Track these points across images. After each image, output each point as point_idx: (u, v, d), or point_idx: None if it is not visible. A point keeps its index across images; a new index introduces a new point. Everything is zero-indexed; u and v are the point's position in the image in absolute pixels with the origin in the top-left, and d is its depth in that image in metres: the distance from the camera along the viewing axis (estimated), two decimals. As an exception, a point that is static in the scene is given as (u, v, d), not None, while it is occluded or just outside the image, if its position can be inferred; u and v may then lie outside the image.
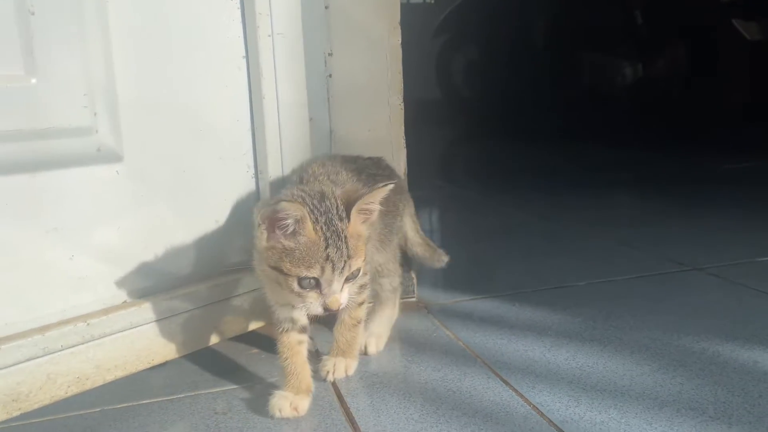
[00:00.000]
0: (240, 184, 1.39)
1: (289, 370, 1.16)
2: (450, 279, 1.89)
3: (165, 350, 1.24)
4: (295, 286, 1.01)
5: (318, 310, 1.03)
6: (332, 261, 1.00)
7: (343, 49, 1.50)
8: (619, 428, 1.05)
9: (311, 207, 1.02)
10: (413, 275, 1.66)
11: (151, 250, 1.25)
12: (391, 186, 1.07)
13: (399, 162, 1.62)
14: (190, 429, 1.12)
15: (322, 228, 1.01)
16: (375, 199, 1.08)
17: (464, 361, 1.33)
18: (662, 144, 4.35)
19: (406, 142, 1.62)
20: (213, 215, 1.34)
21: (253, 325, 1.41)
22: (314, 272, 1.00)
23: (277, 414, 1.12)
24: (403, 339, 1.44)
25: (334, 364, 1.25)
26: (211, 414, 1.16)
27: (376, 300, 1.41)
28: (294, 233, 1.00)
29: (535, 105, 5.26)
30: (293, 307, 1.10)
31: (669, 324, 1.45)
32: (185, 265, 1.31)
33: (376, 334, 1.38)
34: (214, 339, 1.33)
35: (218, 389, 1.24)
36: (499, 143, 4.86)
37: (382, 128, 1.58)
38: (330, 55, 1.50)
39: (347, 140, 1.56)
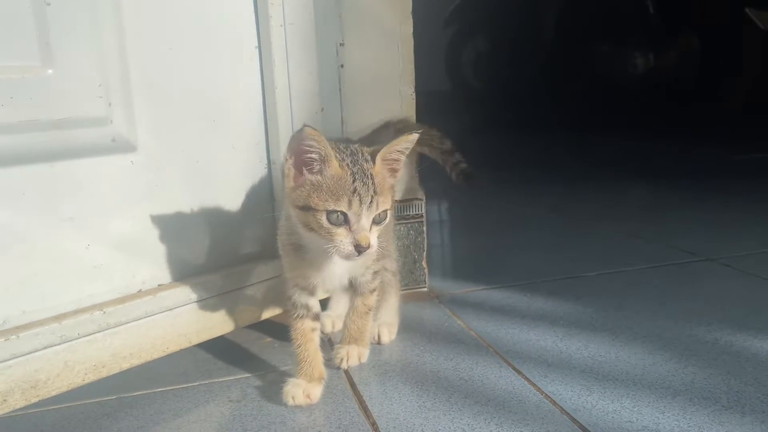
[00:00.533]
0: (253, 173, 1.39)
1: (302, 357, 1.17)
2: (461, 269, 1.89)
3: (180, 339, 1.25)
4: (324, 221, 1.01)
5: (349, 248, 1.01)
6: (359, 194, 1.00)
7: (355, 39, 1.50)
8: (632, 417, 1.06)
9: (336, 149, 1.03)
10: (425, 265, 1.67)
11: (165, 240, 1.26)
12: (416, 136, 1.07)
13: (411, 153, 1.62)
14: (204, 416, 1.13)
15: (348, 165, 1.02)
16: (401, 147, 1.07)
17: (476, 350, 1.33)
18: (673, 135, 4.32)
19: (417, 133, 1.62)
20: (226, 205, 1.35)
21: (267, 314, 1.42)
22: (342, 205, 1.00)
23: (291, 402, 1.13)
24: (414, 328, 1.45)
25: (348, 352, 1.26)
26: (226, 402, 1.17)
27: (379, 288, 1.40)
28: (320, 170, 1.01)
29: (544, 96, 5.23)
30: (325, 253, 1.06)
31: (681, 314, 1.45)
32: (199, 255, 1.32)
33: (387, 323, 1.40)
34: (228, 328, 1.34)
35: (232, 377, 1.25)
36: (509, 134, 4.84)
37: (394, 118, 1.58)
38: (342, 45, 1.49)
39: (359, 131, 1.56)
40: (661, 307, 1.50)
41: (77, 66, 1.10)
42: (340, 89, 1.52)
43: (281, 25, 1.35)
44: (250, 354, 1.35)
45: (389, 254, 1.37)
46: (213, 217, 1.33)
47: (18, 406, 1.06)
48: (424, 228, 1.67)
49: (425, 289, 1.66)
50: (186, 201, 1.28)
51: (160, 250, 1.25)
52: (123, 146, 1.18)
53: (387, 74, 1.56)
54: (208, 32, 1.28)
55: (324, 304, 1.41)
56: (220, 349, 1.36)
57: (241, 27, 1.33)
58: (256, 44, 1.35)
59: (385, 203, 1.04)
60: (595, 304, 1.53)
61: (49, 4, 1.06)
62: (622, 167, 3.36)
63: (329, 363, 1.26)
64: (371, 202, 1.01)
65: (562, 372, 1.22)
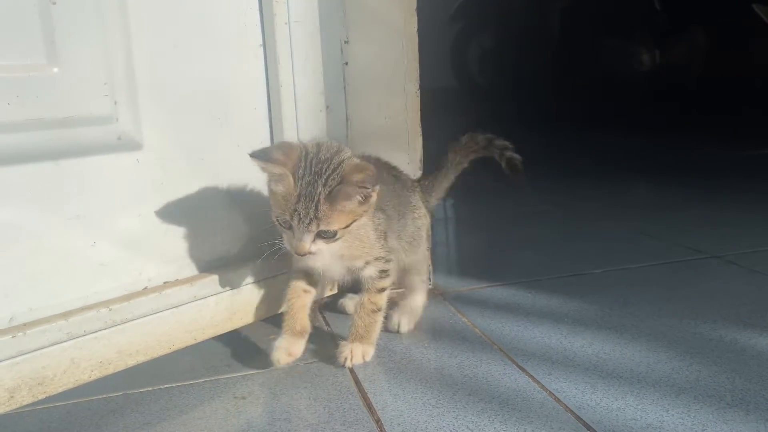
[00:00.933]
0: (257, 171, 1.39)
1: (287, 312, 1.27)
2: (465, 266, 1.89)
3: (185, 336, 1.26)
4: (276, 222, 1.16)
5: (288, 247, 1.16)
6: (299, 214, 1.11)
7: (360, 37, 1.50)
8: (636, 414, 1.06)
9: (304, 162, 1.12)
10: (429, 262, 1.67)
11: (170, 237, 1.26)
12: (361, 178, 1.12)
13: (415, 150, 1.63)
14: (210, 413, 1.13)
15: (300, 184, 1.11)
16: (371, 185, 1.13)
17: (480, 347, 1.33)
18: (679, 131, 4.30)
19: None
20: (231, 203, 1.35)
21: (271, 312, 1.43)
22: (286, 216, 1.12)
23: (278, 365, 1.24)
24: (419, 326, 1.45)
25: (351, 350, 1.26)
26: (231, 398, 1.18)
27: (407, 288, 1.47)
28: (280, 181, 1.13)
29: (549, 93, 5.22)
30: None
31: (686, 311, 1.45)
32: (204, 253, 1.32)
33: (408, 313, 1.43)
34: (233, 325, 1.34)
35: (237, 374, 1.26)
36: (514, 131, 4.82)
37: (398, 116, 1.58)
38: (346, 42, 1.50)
39: (364, 128, 1.56)
40: (666, 304, 1.50)
41: (83, 64, 1.11)
42: (344, 87, 1.52)
43: (286, 23, 1.35)
44: (256, 351, 1.36)
45: (420, 272, 1.47)
46: (217, 216, 1.34)
47: (25, 403, 1.07)
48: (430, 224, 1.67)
49: (430, 287, 1.66)
50: (191, 199, 1.29)
51: (165, 247, 1.26)
52: (129, 144, 1.19)
53: (392, 72, 1.56)
54: (213, 30, 1.29)
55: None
56: (225, 346, 1.37)
57: (246, 25, 1.34)
58: (261, 42, 1.36)
59: (330, 226, 1.12)
60: (600, 302, 1.53)
61: (54, 3, 1.07)
62: (627, 164, 3.35)
63: (333, 361, 1.27)
64: (310, 223, 1.11)
65: (567, 369, 1.22)
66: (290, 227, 1.13)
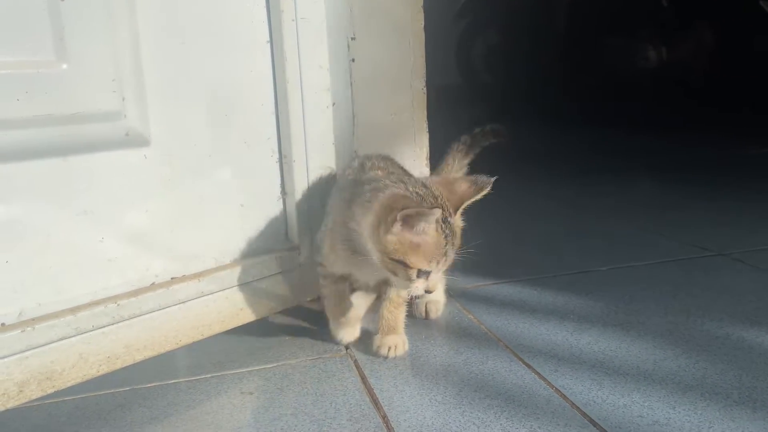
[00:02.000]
0: (264, 168, 1.40)
1: (336, 297, 1.31)
2: (471, 263, 1.88)
3: (192, 331, 1.26)
4: (414, 275, 1.10)
5: (420, 291, 1.13)
6: (447, 255, 1.11)
7: (366, 33, 1.50)
8: (642, 411, 1.06)
9: (428, 200, 1.10)
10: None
11: (177, 234, 1.27)
12: (489, 189, 1.21)
13: (422, 146, 1.63)
14: (217, 408, 1.14)
15: (442, 227, 1.08)
16: (477, 198, 1.20)
17: (486, 344, 1.34)
18: (686, 129, 4.28)
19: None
20: (238, 200, 1.36)
21: (279, 307, 1.43)
22: (432, 266, 1.10)
23: (344, 342, 1.33)
24: (425, 322, 1.45)
25: (394, 342, 1.29)
26: (238, 394, 1.18)
27: None
28: (422, 231, 1.07)
29: (556, 90, 5.20)
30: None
31: (692, 309, 1.45)
32: (211, 249, 1.32)
33: (434, 300, 1.46)
34: (240, 320, 1.35)
35: (244, 369, 1.27)
36: (520, 129, 4.81)
37: (404, 112, 1.58)
38: (353, 39, 1.50)
39: (370, 125, 1.56)
40: (673, 301, 1.50)
41: (91, 61, 1.11)
42: (351, 84, 1.52)
43: (293, 20, 1.35)
44: (263, 346, 1.36)
45: None
46: (225, 212, 1.34)
47: (34, 397, 1.08)
48: (435, 222, 1.67)
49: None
50: (198, 195, 1.29)
51: (172, 243, 1.26)
52: (136, 140, 1.19)
53: (398, 68, 1.56)
54: (221, 27, 1.29)
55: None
56: (232, 341, 1.37)
57: (253, 21, 1.34)
58: (268, 39, 1.36)
59: None
60: (606, 299, 1.53)
61: (63, 0, 1.07)
62: (633, 162, 3.34)
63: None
64: (445, 261, 1.12)
65: (573, 366, 1.22)
66: (427, 273, 1.11)
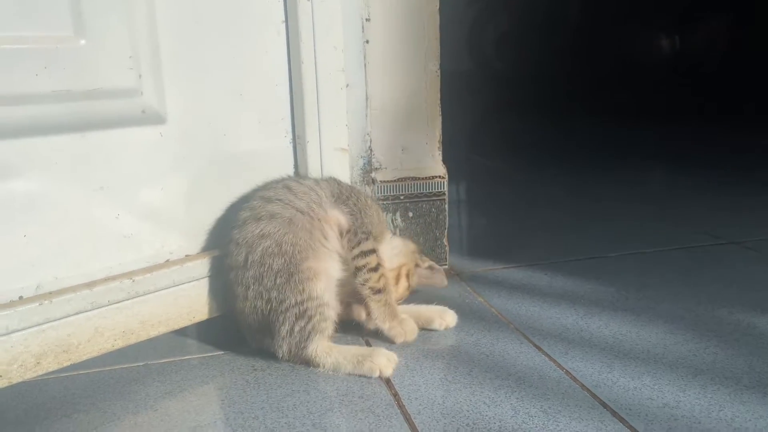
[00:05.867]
0: (278, 148, 1.40)
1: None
2: (481, 248, 1.90)
3: (206, 308, 1.28)
4: None
5: None
6: None
7: (381, 15, 1.50)
8: (653, 394, 1.06)
9: None
10: (446, 243, 1.67)
11: (192, 212, 1.28)
12: None
13: (434, 129, 1.63)
14: (230, 383, 1.15)
15: None
16: None
17: (497, 326, 1.34)
18: (698, 118, 4.26)
19: (439, 112, 1.63)
20: (251, 179, 1.36)
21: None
22: None
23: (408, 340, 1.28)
24: (435, 304, 1.46)
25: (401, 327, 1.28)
26: (250, 370, 1.20)
27: None
28: None
29: (568, 78, 5.17)
30: None
31: (703, 296, 1.45)
32: (225, 227, 1.33)
33: None
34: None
35: (257, 347, 1.28)
36: (530, 116, 4.80)
37: (418, 95, 1.58)
38: (368, 20, 1.49)
39: (383, 107, 1.56)
40: (683, 288, 1.50)
41: (108, 37, 1.12)
42: (365, 65, 1.52)
43: (308, 0, 1.35)
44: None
45: None
46: (238, 190, 1.34)
47: (51, 369, 1.09)
48: (446, 206, 1.67)
49: (446, 267, 1.67)
50: (213, 174, 1.30)
51: (187, 221, 1.28)
52: (152, 118, 1.20)
53: (412, 51, 1.56)
54: (236, 6, 1.29)
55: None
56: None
57: (269, 1, 1.34)
58: (283, 18, 1.36)
59: None
60: (617, 284, 1.53)
61: (81, -25, 1.07)
62: (645, 150, 3.33)
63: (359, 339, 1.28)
64: None
65: (583, 349, 1.23)
66: None
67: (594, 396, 1.06)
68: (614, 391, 1.08)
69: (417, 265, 1.41)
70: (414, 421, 1.01)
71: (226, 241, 1.24)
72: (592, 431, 0.97)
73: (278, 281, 1.15)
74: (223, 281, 1.26)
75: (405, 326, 1.27)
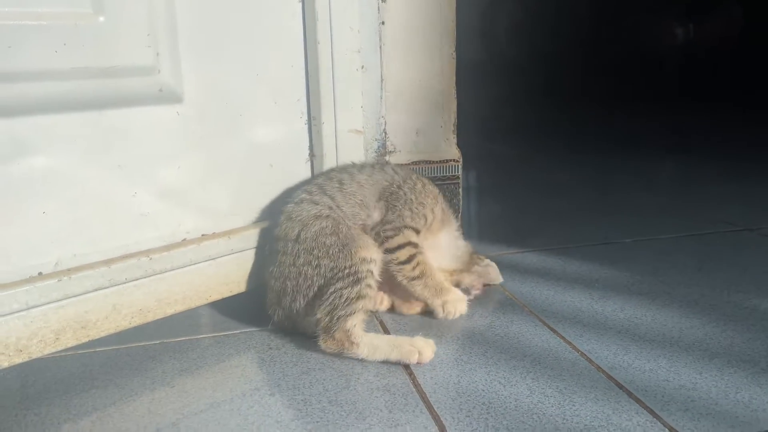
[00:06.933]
0: (293, 129, 1.40)
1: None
2: (496, 232, 1.89)
3: (222, 288, 1.28)
4: None
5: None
6: None
7: (398, -4, 1.49)
8: (669, 376, 1.06)
9: None
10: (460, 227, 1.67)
11: (208, 191, 1.28)
12: None
13: (450, 113, 1.62)
14: (246, 362, 1.16)
15: None
16: None
17: (511, 309, 1.34)
18: (713, 106, 4.22)
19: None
20: (267, 159, 1.37)
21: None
22: None
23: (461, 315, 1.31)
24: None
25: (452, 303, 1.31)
26: (266, 349, 1.20)
27: None
28: None
29: (581, 67, 5.14)
30: None
31: (719, 281, 1.44)
32: (242, 207, 1.34)
33: None
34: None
35: (272, 326, 1.28)
36: (543, 104, 4.78)
37: (433, 78, 1.58)
38: (383, 1, 1.49)
39: (398, 89, 1.56)
40: (698, 273, 1.49)
41: (127, 14, 1.12)
42: (380, 47, 1.51)
43: (325, -20, 1.35)
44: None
45: None
46: (254, 171, 1.35)
47: (69, 345, 1.10)
48: (460, 190, 1.67)
49: (459, 251, 1.67)
50: (229, 154, 1.30)
51: (203, 201, 1.28)
52: (170, 97, 1.20)
53: (428, 33, 1.55)
54: (253, -15, 1.29)
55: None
56: (261, 299, 1.38)
57: (285, -19, 1.33)
58: (300, -1, 1.35)
59: None
60: (631, 269, 1.53)
61: (100, -48, 1.07)
62: (658, 139, 3.31)
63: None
64: None
65: (598, 332, 1.23)
66: None
67: (610, 377, 1.06)
68: (630, 373, 1.07)
69: (475, 264, 1.41)
70: (429, 399, 1.01)
71: (277, 213, 1.29)
72: (609, 411, 0.97)
73: (331, 251, 1.18)
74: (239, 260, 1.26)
75: (451, 298, 1.30)
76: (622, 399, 1.00)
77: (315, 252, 1.18)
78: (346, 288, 1.15)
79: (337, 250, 1.18)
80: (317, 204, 1.25)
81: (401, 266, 1.27)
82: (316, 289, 1.17)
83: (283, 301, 1.22)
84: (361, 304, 1.15)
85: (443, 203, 1.40)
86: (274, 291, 1.24)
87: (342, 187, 1.29)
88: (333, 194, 1.27)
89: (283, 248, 1.22)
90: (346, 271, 1.16)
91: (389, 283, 1.29)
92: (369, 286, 1.17)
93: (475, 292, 1.39)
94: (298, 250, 1.20)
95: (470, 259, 1.41)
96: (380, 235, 1.27)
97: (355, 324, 1.15)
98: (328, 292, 1.16)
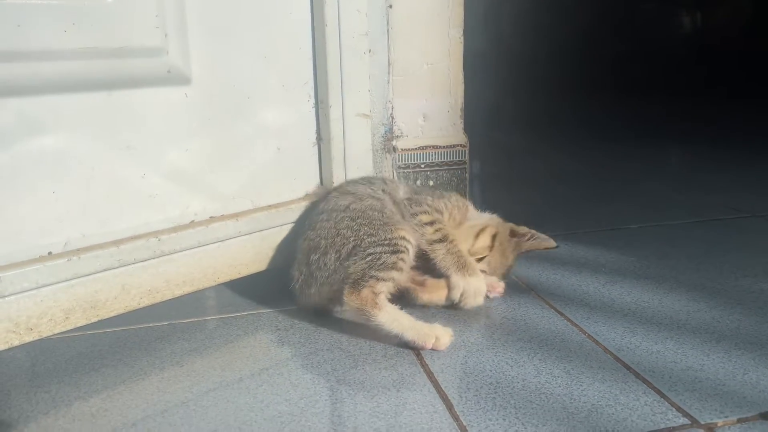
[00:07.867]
0: (301, 113, 1.40)
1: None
2: (501, 217, 1.89)
3: (230, 270, 1.29)
4: None
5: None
6: None
7: (405, -21, 1.49)
8: (676, 358, 1.06)
9: None
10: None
11: (216, 173, 1.28)
12: None
13: (457, 97, 1.62)
14: (255, 342, 1.17)
15: None
16: None
17: (517, 292, 1.35)
18: (720, 95, 4.20)
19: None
20: (274, 142, 1.37)
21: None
22: None
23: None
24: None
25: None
26: (274, 330, 1.21)
27: None
28: None
29: (587, 56, 5.11)
30: None
31: (725, 266, 1.44)
32: (249, 190, 1.34)
33: None
34: (276, 262, 1.37)
35: (280, 308, 1.29)
36: (550, 94, 4.76)
37: (441, 62, 1.57)
38: (392, -15, 1.48)
39: (405, 73, 1.55)
40: (705, 258, 1.49)
41: (135, -5, 1.12)
42: (388, 30, 1.51)
43: (333, -38, 1.34)
44: (296, 289, 1.38)
45: None
46: (262, 154, 1.35)
47: (79, 324, 1.11)
48: (467, 175, 1.67)
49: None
50: (237, 136, 1.30)
51: (211, 183, 1.28)
52: (178, 78, 1.20)
53: (436, 16, 1.55)
54: (261, -33, 1.28)
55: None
56: (269, 281, 1.38)
57: (293, -37, 1.33)
58: (308, -19, 1.35)
59: None
60: (638, 254, 1.53)
61: (109, -68, 1.07)
62: (666, 127, 3.30)
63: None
64: None
65: (605, 315, 1.23)
66: None
67: (617, 359, 1.07)
68: (637, 354, 1.08)
69: (513, 233, 1.38)
70: (437, 378, 1.02)
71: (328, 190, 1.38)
72: (616, 391, 0.97)
73: (374, 223, 1.21)
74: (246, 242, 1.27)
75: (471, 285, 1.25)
76: (629, 380, 1.00)
77: (359, 220, 1.21)
78: (385, 254, 1.17)
79: (380, 224, 1.21)
80: (373, 184, 1.34)
81: (424, 227, 1.26)
82: (350, 247, 1.18)
83: (311, 258, 1.21)
84: (394, 273, 1.16)
85: (465, 211, 1.42)
86: (303, 252, 1.24)
87: (386, 185, 1.37)
88: (382, 186, 1.35)
89: (327, 217, 1.25)
90: (386, 242, 1.18)
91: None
92: (403, 260, 1.18)
93: (494, 294, 1.35)
94: (342, 216, 1.23)
95: (498, 224, 1.42)
96: (407, 206, 1.31)
97: (383, 291, 1.15)
98: (366, 252, 1.17)
